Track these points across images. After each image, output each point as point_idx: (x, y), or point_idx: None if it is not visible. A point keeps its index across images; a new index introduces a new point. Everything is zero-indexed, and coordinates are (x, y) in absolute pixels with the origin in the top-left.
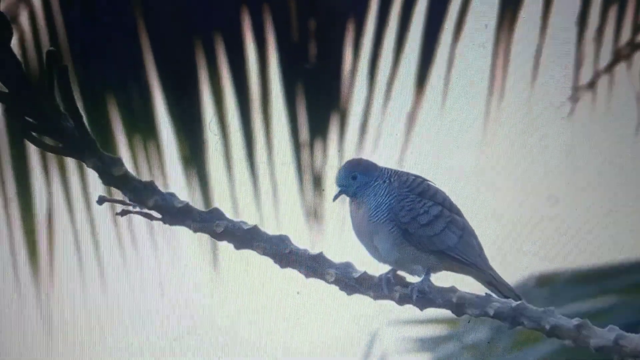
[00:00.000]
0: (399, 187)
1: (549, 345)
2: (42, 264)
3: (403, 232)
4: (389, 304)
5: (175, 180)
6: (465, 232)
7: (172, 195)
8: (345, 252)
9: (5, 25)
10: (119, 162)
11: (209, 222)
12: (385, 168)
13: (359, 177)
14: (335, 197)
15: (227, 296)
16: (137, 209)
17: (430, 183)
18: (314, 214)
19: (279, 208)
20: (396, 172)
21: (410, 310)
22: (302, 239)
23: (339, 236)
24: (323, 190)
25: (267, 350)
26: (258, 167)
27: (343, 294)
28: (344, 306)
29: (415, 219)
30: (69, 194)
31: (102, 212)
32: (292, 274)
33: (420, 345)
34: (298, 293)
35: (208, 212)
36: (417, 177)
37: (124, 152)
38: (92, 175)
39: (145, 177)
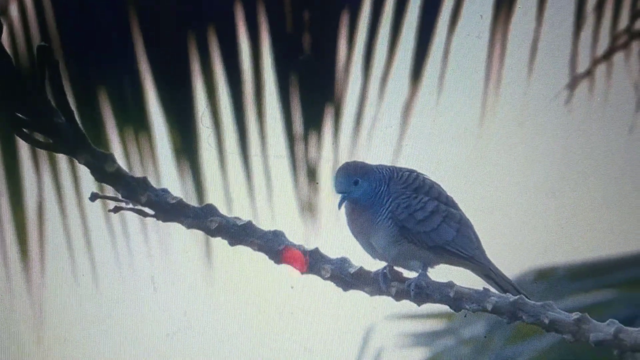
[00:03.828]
0: (394, 184)
1: (547, 338)
2: (33, 258)
3: (400, 229)
4: (385, 299)
5: (167, 173)
6: (462, 225)
7: (165, 191)
8: (341, 246)
9: None
10: (111, 158)
11: (202, 219)
12: (379, 167)
13: (361, 182)
14: (340, 205)
15: (220, 291)
16: (130, 206)
17: (424, 177)
18: (308, 207)
19: (272, 201)
20: (390, 169)
21: (406, 305)
22: (297, 232)
23: (334, 229)
24: (317, 183)
25: (261, 345)
26: (251, 160)
27: (338, 288)
28: (339, 300)
29: (412, 215)
30: (60, 188)
31: (94, 206)
32: (287, 269)
33: (416, 339)
34: (292, 287)
35: (202, 208)
36: (411, 172)
37: (115, 145)
38: (83, 169)
39: (137, 170)
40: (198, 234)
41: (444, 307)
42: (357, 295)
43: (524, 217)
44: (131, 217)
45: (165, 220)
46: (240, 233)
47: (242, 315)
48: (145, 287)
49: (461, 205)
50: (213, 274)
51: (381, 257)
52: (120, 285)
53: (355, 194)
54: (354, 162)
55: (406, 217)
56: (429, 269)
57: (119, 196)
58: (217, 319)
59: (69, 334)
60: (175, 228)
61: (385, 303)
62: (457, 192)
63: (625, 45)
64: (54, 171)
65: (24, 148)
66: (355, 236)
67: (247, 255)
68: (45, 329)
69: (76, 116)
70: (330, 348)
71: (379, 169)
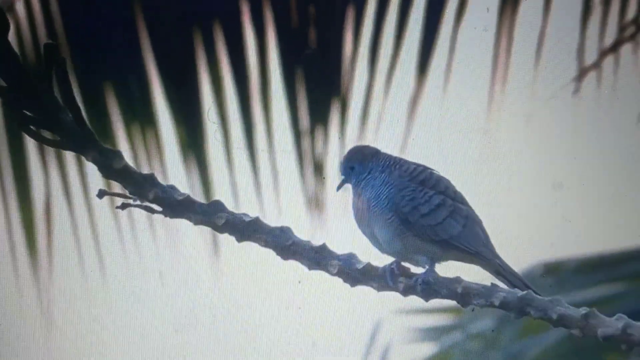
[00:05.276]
0: (399, 176)
1: (555, 333)
2: (41, 255)
3: (403, 222)
4: (392, 294)
5: (174, 169)
6: (469, 221)
7: (173, 187)
8: (348, 240)
9: (3, 18)
10: (118, 155)
11: (210, 215)
12: (388, 156)
13: (357, 167)
14: (339, 187)
15: (228, 286)
16: (138, 202)
17: (433, 171)
18: (315, 202)
19: (279, 196)
20: (399, 161)
21: (414, 300)
22: (304, 227)
23: (341, 224)
24: (324, 177)
25: (268, 341)
26: (258, 155)
27: (346, 283)
28: (347, 295)
29: (416, 208)
30: (67, 184)
31: (101, 203)
32: (294, 264)
33: (424, 334)
34: (300, 282)
35: (209, 204)
36: (419, 165)
37: (122, 141)
38: (91, 166)
39: (144, 166)
40: (205, 229)
41: (452, 302)
42: (365, 290)
43: (532, 210)
44: (138, 213)
45: (172, 216)
46: (247, 229)
47: (249, 310)
48: (153, 283)
49: (468, 199)
50: (220, 269)
51: (387, 252)
52: (128, 281)
53: (351, 179)
54: (357, 147)
55: (410, 210)
56: (437, 265)
57: (127, 193)
58: (224, 315)
59: (77, 330)
60: (183, 224)
61: (393, 298)
62: (464, 185)
63: (633, 37)
64: (61, 168)
65: (31, 145)
66: (360, 228)
67: (254, 251)
68: (53, 326)
69: (83, 113)
70: (338, 343)
71: (383, 157)
